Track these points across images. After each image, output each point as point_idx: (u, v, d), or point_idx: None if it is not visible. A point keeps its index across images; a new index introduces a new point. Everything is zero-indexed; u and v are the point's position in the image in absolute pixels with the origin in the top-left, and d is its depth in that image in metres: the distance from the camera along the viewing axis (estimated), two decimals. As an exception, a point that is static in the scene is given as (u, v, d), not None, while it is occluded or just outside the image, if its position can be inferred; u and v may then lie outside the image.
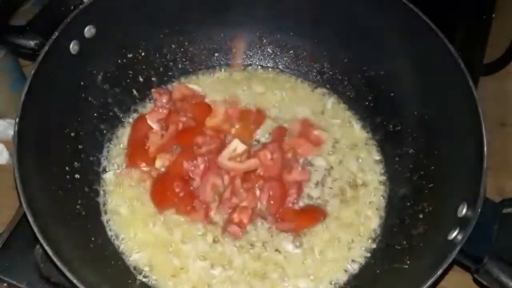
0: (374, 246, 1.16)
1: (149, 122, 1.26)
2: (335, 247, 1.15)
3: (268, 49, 1.40)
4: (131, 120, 1.29)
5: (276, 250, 1.13)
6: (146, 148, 1.23)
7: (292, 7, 1.30)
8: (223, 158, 1.16)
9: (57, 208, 1.03)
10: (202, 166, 1.17)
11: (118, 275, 1.08)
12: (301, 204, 1.18)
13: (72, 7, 1.15)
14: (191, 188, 1.17)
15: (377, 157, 1.27)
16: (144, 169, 1.21)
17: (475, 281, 1.07)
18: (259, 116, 1.30)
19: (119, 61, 1.27)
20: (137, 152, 1.23)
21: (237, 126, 1.27)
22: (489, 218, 0.98)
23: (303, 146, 1.25)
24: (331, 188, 1.22)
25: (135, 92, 1.31)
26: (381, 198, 1.22)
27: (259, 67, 1.41)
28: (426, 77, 1.15)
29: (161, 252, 1.12)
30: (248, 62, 1.41)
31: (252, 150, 1.21)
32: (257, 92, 1.35)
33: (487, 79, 1.43)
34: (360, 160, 1.26)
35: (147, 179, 1.20)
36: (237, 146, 1.17)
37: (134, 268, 1.11)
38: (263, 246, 1.13)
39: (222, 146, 1.21)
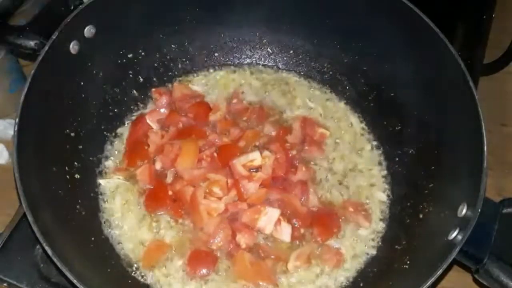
0: (374, 246, 1.16)
1: (149, 122, 1.27)
2: (335, 247, 1.15)
3: (268, 49, 1.40)
4: (131, 120, 1.29)
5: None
6: (146, 148, 1.23)
7: (292, 7, 1.30)
8: (238, 162, 1.15)
9: (57, 208, 1.03)
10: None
11: (118, 275, 1.08)
12: (312, 205, 1.18)
13: (72, 7, 1.15)
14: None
15: (377, 157, 1.27)
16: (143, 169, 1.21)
17: (475, 281, 1.07)
18: (261, 114, 1.30)
19: (119, 61, 1.27)
20: (136, 152, 1.23)
21: (246, 130, 1.26)
22: (489, 218, 0.98)
23: (306, 145, 1.25)
24: (332, 186, 1.22)
25: (135, 92, 1.32)
26: (382, 198, 1.22)
27: (259, 66, 1.41)
28: (426, 77, 1.15)
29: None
30: (248, 62, 1.41)
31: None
32: (257, 91, 1.36)
33: (487, 79, 1.43)
34: (360, 160, 1.26)
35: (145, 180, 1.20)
36: (256, 158, 1.16)
37: (134, 268, 1.11)
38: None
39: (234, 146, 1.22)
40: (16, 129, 0.96)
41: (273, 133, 1.26)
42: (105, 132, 1.26)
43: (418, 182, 1.16)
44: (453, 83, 1.07)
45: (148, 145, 1.23)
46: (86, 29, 1.12)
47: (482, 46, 1.39)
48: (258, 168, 1.17)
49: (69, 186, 1.11)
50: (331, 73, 1.37)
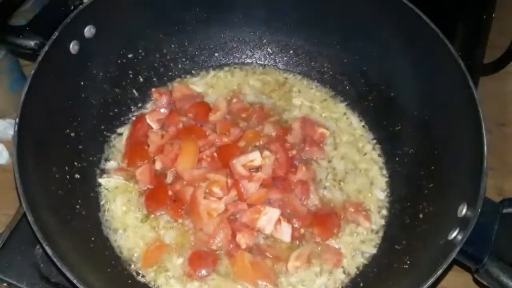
0: (374, 246, 1.16)
1: (149, 122, 1.27)
2: (335, 247, 1.15)
3: (268, 49, 1.40)
4: (131, 120, 1.29)
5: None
6: (146, 148, 1.23)
7: (292, 7, 1.30)
8: (238, 162, 1.15)
9: (57, 208, 1.03)
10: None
11: (118, 275, 1.08)
12: (312, 205, 1.18)
13: (72, 7, 1.15)
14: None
15: (377, 157, 1.27)
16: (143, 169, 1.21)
17: (475, 281, 1.07)
18: (261, 114, 1.30)
19: (119, 61, 1.27)
20: (136, 152, 1.23)
21: (246, 130, 1.26)
22: (489, 218, 0.98)
23: (306, 145, 1.25)
24: (333, 186, 1.22)
25: (135, 92, 1.32)
26: (381, 197, 1.22)
27: (259, 66, 1.41)
28: (426, 77, 1.15)
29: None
30: (248, 62, 1.41)
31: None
32: (257, 91, 1.36)
33: (487, 79, 1.43)
34: (360, 159, 1.26)
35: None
36: (256, 158, 1.16)
37: (134, 268, 1.11)
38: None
39: (234, 146, 1.21)
40: (16, 129, 0.96)
41: (273, 133, 1.26)
42: (105, 132, 1.26)
43: (418, 182, 1.16)
44: (453, 83, 1.07)
45: (148, 145, 1.23)
46: (86, 29, 1.12)
47: (482, 46, 1.39)
48: (258, 168, 1.17)
49: (69, 186, 1.12)
50: (331, 73, 1.37)
